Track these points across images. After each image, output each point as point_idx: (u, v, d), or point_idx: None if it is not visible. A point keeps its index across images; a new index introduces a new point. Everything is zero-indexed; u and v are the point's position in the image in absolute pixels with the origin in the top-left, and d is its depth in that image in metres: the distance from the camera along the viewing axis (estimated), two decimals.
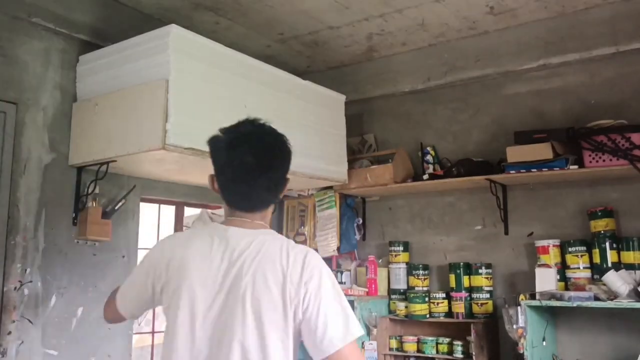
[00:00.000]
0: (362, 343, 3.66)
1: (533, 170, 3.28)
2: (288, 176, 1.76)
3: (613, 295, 2.93)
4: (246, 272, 1.56)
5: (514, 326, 3.10)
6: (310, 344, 1.54)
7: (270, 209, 1.78)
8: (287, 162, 1.74)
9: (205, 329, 1.55)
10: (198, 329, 1.55)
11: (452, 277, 3.70)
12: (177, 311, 1.57)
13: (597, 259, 3.21)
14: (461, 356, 3.52)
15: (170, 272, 1.63)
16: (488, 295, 3.59)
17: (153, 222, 3.85)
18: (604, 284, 3.00)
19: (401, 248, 3.98)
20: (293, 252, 1.61)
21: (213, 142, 1.75)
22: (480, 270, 3.60)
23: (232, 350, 1.50)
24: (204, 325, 1.55)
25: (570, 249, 3.31)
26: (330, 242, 4.12)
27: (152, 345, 3.72)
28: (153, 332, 3.70)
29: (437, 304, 3.70)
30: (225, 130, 1.74)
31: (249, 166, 1.65)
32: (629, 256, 3.13)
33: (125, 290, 1.87)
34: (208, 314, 1.55)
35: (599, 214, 3.26)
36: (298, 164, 3.39)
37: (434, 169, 3.87)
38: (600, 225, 3.24)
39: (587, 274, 3.25)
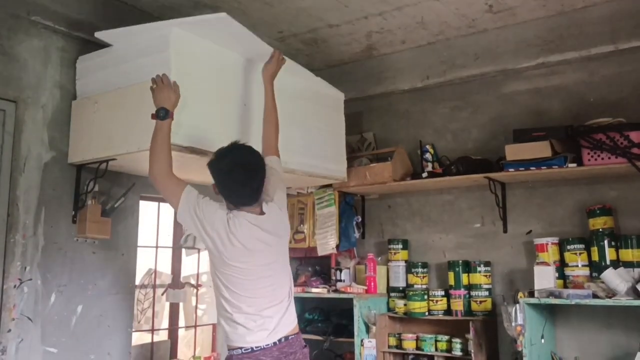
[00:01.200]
0: (362, 341, 3.68)
1: (532, 168, 3.29)
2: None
3: (611, 293, 2.94)
4: None
5: (513, 324, 3.10)
6: None
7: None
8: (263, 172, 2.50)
9: None
10: None
11: (451, 274, 3.70)
12: None
13: (595, 257, 3.22)
14: (460, 354, 3.53)
15: None
16: (487, 293, 3.60)
17: (152, 220, 3.86)
18: (603, 282, 3.01)
19: (400, 246, 3.99)
20: None
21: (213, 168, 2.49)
22: (479, 268, 3.61)
23: None
24: None
25: (568, 247, 3.32)
26: (330, 240, 4.12)
27: (152, 343, 3.73)
28: (152, 330, 3.71)
29: (436, 301, 3.71)
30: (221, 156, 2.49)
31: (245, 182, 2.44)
32: (627, 254, 3.14)
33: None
34: None
35: (598, 212, 3.27)
36: (297, 162, 3.42)
37: (433, 167, 3.87)
38: (598, 223, 3.25)
39: (586, 271, 3.26)
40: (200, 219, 2.39)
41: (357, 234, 4.21)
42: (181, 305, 3.94)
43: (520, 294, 3.16)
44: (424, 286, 3.82)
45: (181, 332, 4.05)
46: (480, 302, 3.58)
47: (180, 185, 2.47)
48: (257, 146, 3.27)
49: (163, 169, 2.49)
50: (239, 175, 2.40)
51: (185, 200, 2.42)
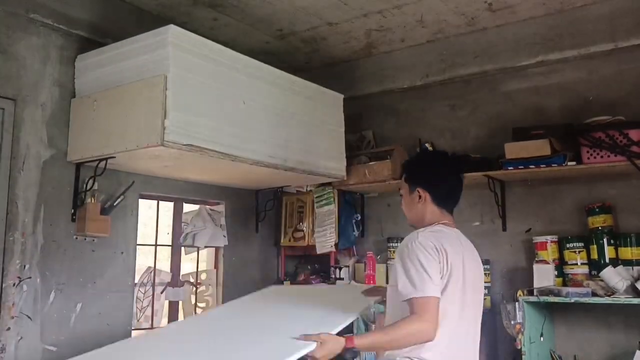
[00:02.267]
0: None
1: (531, 166, 3.29)
2: None
3: (610, 291, 2.94)
4: None
5: (512, 322, 3.11)
6: None
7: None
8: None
9: None
10: None
11: None
12: None
13: (594, 255, 3.22)
14: None
15: None
16: (486, 291, 3.58)
17: (152, 218, 3.85)
18: (602, 280, 3.01)
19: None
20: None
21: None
22: None
23: None
24: None
25: (568, 245, 3.32)
26: (329, 238, 4.12)
27: None
28: (152, 329, 3.71)
29: None
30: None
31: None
32: (626, 252, 3.14)
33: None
34: None
35: (597, 210, 3.27)
36: (297, 160, 3.43)
37: None
38: (598, 221, 3.25)
39: (585, 270, 3.26)
40: None
41: (356, 232, 4.21)
42: (180, 303, 3.94)
43: (519, 292, 3.16)
44: None
45: None
46: None
47: None
48: (257, 145, 3.28)
49: None
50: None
51: None
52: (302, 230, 4.29)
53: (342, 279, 4.01)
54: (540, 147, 3.25)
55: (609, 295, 2.91)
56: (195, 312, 4.02)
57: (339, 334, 2.08)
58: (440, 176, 2.27)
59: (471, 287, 2.13)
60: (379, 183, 3.88)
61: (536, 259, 3.35)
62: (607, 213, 3.25)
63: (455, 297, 2.06)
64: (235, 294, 4.10)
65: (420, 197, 2.25)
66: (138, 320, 3.59)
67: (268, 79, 3.32)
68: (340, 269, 4.06)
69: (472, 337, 2.15)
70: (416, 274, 1.97)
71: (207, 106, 2.91)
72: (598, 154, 3.12)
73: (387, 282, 4.00)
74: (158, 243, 3.86)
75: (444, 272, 2.03)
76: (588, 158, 3.15)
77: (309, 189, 4.31)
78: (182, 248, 3.99)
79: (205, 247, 4.06)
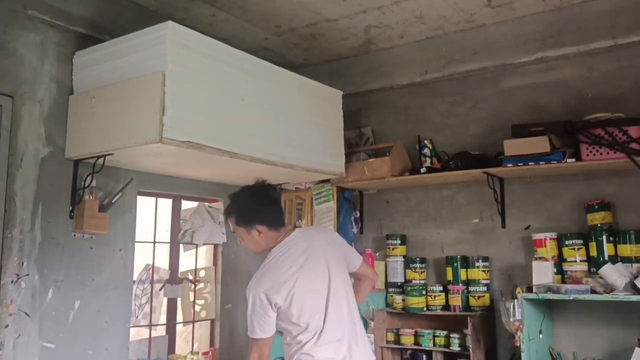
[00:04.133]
0: None
1: (530, 163, 3.28)
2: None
3: (609, 289, 2.94)
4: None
5: (511, 319, 3.11)
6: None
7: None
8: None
9: None
10: None
11: (449, 270, 3.70)
12: None
13: (593, 252, 3.22)
14: (458, 349, 3.53)
15: None
16: (485, 289, 3.60)
17: (150, 215, 3.85)
18: (601, 277, 3.01)
19: (398, 241, 3.99)
20: None
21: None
22: (477, 264, 3.61)
23: None
24: None
25: (567, 242, 3.32)
26: None
27: (150, 339, 3.72)
28: (150, 325, 3.71)
29: (434, 297, 3.71)
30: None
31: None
32: (625, 249, 3.14)
33: None
34: None
35: (596, 207, 3.27)
36: (296, 157, 3.42)
37: (431, 163, 3.86)
38: (597, 218, 3.25)
39: (584, 267, 3.26)
40: None
41: (355, 230, 4.21)
42: (179, 300, 3.94)
43: (518, 289, 3.16)
44: (422, 281, 3.82)
45: (179, 328, 4.04)
46: (479, 297, 3.58)
47: None
48: (256, 141, 3.27)
49: None
50: None
51: None
52: (301, 227, 4.29)
53: None
54: (539, 144, 3.25)
55: (608, 293, 2.91)
56: (194, 310, 4.02)
57: None
58: (264, 208, 2.56)
59: (332, 264, 2.55)
60: (377, 180, 3.88)
61: (535, 256, 3.35)
62: (606, 210, 3.25)
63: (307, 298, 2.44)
64: (234, 291, 4.12)
65: (260, 232, 2.53)
66: (136, 318, 3.58)
67: (266, 76, 3.31)
68: None
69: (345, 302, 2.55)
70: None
71: (206, 103, 2.90)
72: (597, 150, 3.12)
73: (386, 280, 4.00)
74: (156, 240, 3.86)
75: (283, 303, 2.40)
76: (587, 155, 3.15)
77: (307, 186, 4.31)
78: (181, 245, 3.98)
79: (204, 244, 4.06)
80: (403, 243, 4.01)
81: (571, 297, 2.97)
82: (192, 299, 4.02)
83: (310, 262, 2.49)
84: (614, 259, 3.13)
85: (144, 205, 3.74)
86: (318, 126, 3.65)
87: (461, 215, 3.89)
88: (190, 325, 4.05)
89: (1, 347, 2.79)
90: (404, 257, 3.97)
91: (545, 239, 3.37)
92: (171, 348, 3.89)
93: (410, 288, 3.75)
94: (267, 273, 2.44)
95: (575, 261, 3.28)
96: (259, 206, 2.55)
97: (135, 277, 3.56)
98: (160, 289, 3.80)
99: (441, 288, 3.73)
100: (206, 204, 4.06)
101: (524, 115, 3.63)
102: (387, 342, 3.81)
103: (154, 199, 3.82)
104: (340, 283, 2.55)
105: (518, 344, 3.05)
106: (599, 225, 3.23)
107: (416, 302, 3.70)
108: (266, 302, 2.37)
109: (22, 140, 2.96)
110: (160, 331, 3.94)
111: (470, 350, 3.36)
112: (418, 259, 3.87)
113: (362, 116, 4.39)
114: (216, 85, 2.97)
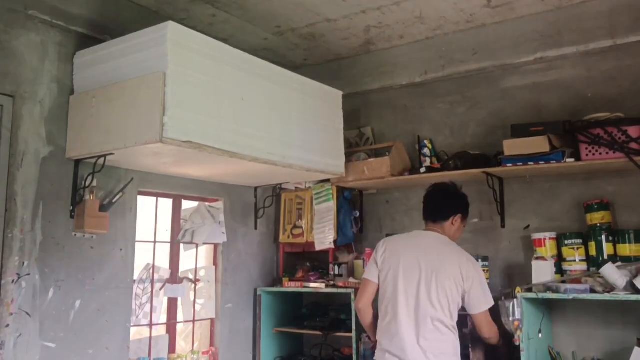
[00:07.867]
0: (360, 335, 3.68)
1: (530, 163, 3.29)
2: None
3: (609, 288, 2.94)
4: None
5: (510, 318, 3.11)
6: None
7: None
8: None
9: None
10: None
11: None
12: None
13: (593, 252, 3.22)
14: None
15: None
16: None
17: (150, 215, 3.85)
18: (600, 277, 3.01)
19: None
20: None
21: None
22: None
23: None
24: None
25: (566, 242, 3.32)
26: (328, 235, 4.12)
27: (150, 338, 3.73)
28: (151, 325, 3.71)
29: None
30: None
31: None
32: (624, 249, 3.15)
33: None
34: None
35: (595, 206, 3.27)
36: (295, 157, 3.43)
37: (431, 162, 3.87)
38: (596, 218, 3.26)
39: (583, 266, 3.26)
40: None
41: (355, 229, 4.21)
42: (179, 300, 3.95)
43: (518, 289, 3.16)
44: None
45: (179, 327, 4.05)
46: None
47: None
48: (256, 141, 3.27)
49: None
50: None
51: None
52: (301, 227, 4.30)
53: (341, 275, 4.01)
54: (539, 143, 3.26)
55: (607, 292, 2.92)
56: (194, 309, 4.03)
57: None
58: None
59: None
60: (377, 180, 3.88)
61: (535, 255, 3.35)
62: (605, 210, 3.26)
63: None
64: (234, 290, 4.13)
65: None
66: (137, 317, 3.59)
67: (267, 76, 3.31)
68: (339, 265, 4.07)
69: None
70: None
71: (206, 103, 2.91)
72: (597, 150, 3.13)
73: None
74: (157, 240, 3.86)
75: None
76: (587, 155, 3.16)
77: (307, 185, 4.32)
78: (181, 245, 3.99)
79: (204, 243, 4.07)
80: None
81: (570, 297, 2.98)
82: (192, 298, 4.03)
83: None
84: (613, 259, 3.13)
85: (145, 205, 3.74)
86: (318, 126, 3.65)
87: None
88: (191, 325, 4.06)
89: (2, 346, 2.80)
90: None
91: (544, 239, 3.38)
92: (171, 347, 3.90)
93: None
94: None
95: (575, 261, 3.28)
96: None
97: (135, 277, 3.57)
98: (160, 289, 3.81)
99: None
100: (206, 203, 4.07)
101: (523, 115, 3.64)
102: None
103: (154, 198, 3.83)
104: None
105: (517, 344, 3.06)
106: (598, 225, 3.24)
107: None
108: None
109: (22, 140, 2.96)
110: (160, 330, 3.94)
111: (470, 349, 3.37)
112: None
113: (362, 116, 4.40)
114: (216, 85, 2.98)
